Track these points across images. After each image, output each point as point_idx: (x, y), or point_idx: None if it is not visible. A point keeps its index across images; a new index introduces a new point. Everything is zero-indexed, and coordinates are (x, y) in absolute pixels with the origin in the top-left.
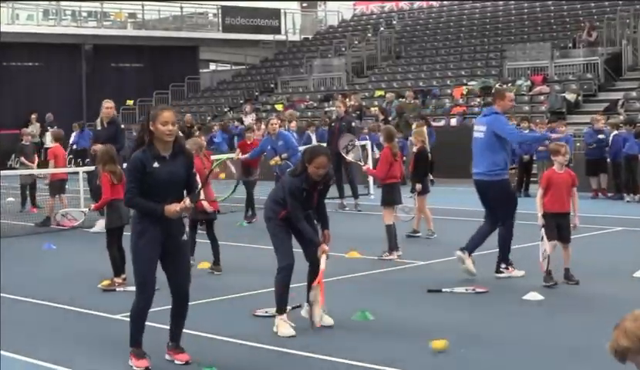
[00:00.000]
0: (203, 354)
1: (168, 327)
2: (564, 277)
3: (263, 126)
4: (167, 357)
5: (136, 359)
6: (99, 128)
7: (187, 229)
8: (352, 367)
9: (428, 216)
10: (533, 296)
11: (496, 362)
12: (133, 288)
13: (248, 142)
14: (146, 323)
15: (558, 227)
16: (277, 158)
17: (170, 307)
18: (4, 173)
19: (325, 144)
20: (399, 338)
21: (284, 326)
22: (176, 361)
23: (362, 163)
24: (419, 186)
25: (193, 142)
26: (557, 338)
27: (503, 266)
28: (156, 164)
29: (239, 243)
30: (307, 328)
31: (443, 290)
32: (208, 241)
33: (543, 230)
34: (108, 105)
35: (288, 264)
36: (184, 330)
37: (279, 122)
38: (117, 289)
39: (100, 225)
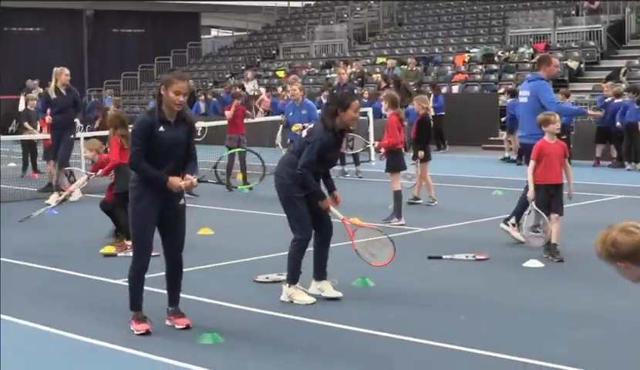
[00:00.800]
0: (204, 320)
1: (166, 292)
2: (549, 252)
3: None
4: (168, 322)
5: (136, 323)
6: (54, 96)
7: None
8: (351, 332)
9: (429, 183)
10: (534, 263)
11: (495, 328)
12: None
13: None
14: (146, 288)
15: (550, 198)
16: (299, 125)
17: (165, 272)
18: (4, 138)
19: None
20: (399, 304)
21: (301, 294)
22: (176, 326)
23: (370, 143)
24: (421, 153)
25: None
26: (557, 305)
27: (512, 220)
28: (161, 128)
29: (238, 208)
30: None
31: (444, 257)
32: (206, 207)
33: (533, 203)
34: (67, 72)
35: (307, 236)
36: (185, 295)
37: (301, 89)
38: (118, 254)
39: (53, 198)
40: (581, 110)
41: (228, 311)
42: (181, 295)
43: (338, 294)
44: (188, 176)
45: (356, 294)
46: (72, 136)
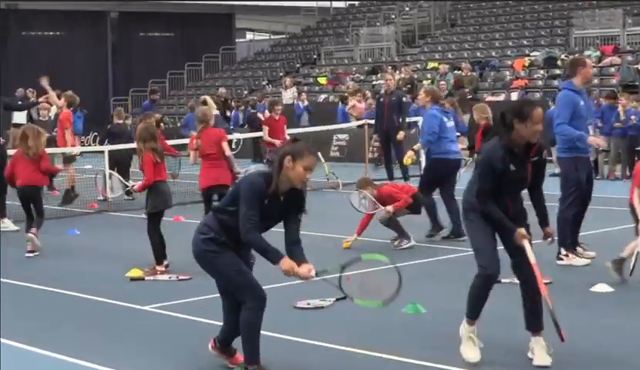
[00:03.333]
0: (240, 349)
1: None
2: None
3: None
4: (213, 351)
5: None
6: None
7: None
8: (402, 364)
9: None
10: (602, 288)
11: (562, 358)
12: (164, 277)
13: (276, 118)
14: (186, 317)
15: None
16: (410, 153)
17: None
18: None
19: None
20: (453, 332)
21: (470, 347)
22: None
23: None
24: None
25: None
26: (631, 333)
27: (563, 252)
28: (266, 201)
29: (277, 228)
30: (354, 320)
31: (502, 280)
32: None
33: None
34: None
35: (492, 271)
36: (220, 323)
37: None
38: (146, 278)
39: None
40: (582, 136)
41: (266, 339)
42: (215, 323)
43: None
44: (309, 266)
45: (407, 321)
46: None
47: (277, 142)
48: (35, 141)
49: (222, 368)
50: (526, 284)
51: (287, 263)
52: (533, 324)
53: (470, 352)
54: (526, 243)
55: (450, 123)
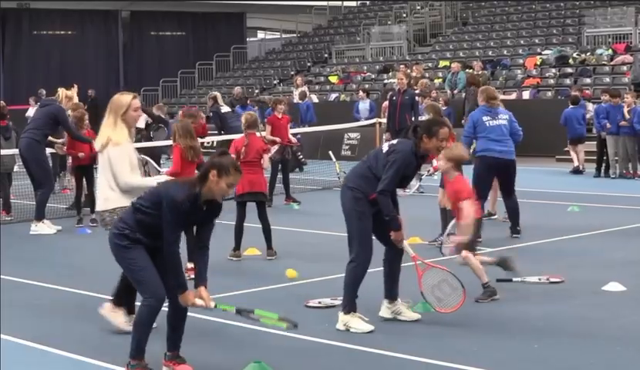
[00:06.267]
0: (250, 349)
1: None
2: None
3: None
4: (165, 369)
5: None
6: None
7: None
8: (412, 363)
9: None
10: (614, 287)
11: (572, 359)
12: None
13: (279, 117)
14: (202, 317)
15: None
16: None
17: (167, 313)
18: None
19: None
20: (464, 331)
21: (358, 321)
22: None
23: (427, 172)
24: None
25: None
26: None
27: None
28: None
29: (286, 227)
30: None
31: (514, 279)
32: (251, 225)
33: None
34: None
35: (366, 257)
36: (231, 322)
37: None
38: None
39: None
40: None
41: (277, 338)
42: (227, 321)
43: (417, 316)
44: (203, 293)
45: (418, 320)
46: None
47: (278, 140)
48: None
49: (226, 361)
50: (399, 255)
51: (186, 297)
52: (395, 292)
53: (362, 325)
54: (405, 243)
55: (494, 122)
